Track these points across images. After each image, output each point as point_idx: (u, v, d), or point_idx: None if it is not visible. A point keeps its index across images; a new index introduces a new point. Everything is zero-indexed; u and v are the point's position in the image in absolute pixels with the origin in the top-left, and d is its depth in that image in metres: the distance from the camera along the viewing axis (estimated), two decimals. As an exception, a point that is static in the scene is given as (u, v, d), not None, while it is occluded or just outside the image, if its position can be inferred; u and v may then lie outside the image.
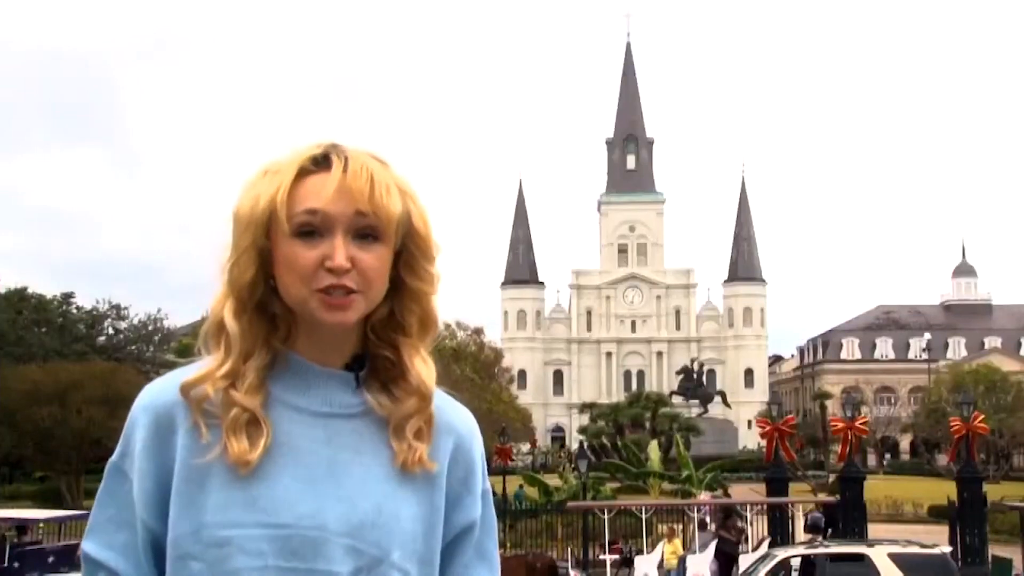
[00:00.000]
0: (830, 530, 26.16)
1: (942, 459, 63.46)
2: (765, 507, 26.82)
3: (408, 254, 1.62)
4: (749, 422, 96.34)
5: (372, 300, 1.59)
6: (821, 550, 19.69)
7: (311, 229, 1.55)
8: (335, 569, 1.54)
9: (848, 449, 26.09)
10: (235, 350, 1.59)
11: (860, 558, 18.36)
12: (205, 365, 1.60)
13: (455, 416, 1.72)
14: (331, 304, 1.55)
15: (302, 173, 1.57)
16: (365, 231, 1.56)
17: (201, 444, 1.57)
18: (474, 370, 78.53)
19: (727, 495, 37.76)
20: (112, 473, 1.65)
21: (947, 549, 18.23)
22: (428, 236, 1.64)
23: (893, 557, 17.66)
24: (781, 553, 20.09)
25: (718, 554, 23.49)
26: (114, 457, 1.66)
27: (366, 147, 1.63)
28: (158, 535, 1.60)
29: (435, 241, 1.65)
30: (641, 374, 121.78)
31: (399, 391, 1.64)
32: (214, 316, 1.61)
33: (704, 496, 36.87)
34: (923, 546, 18.58)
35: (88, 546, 1.64)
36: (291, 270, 1.55)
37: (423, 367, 1.65)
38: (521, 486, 42.26)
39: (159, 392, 1.63)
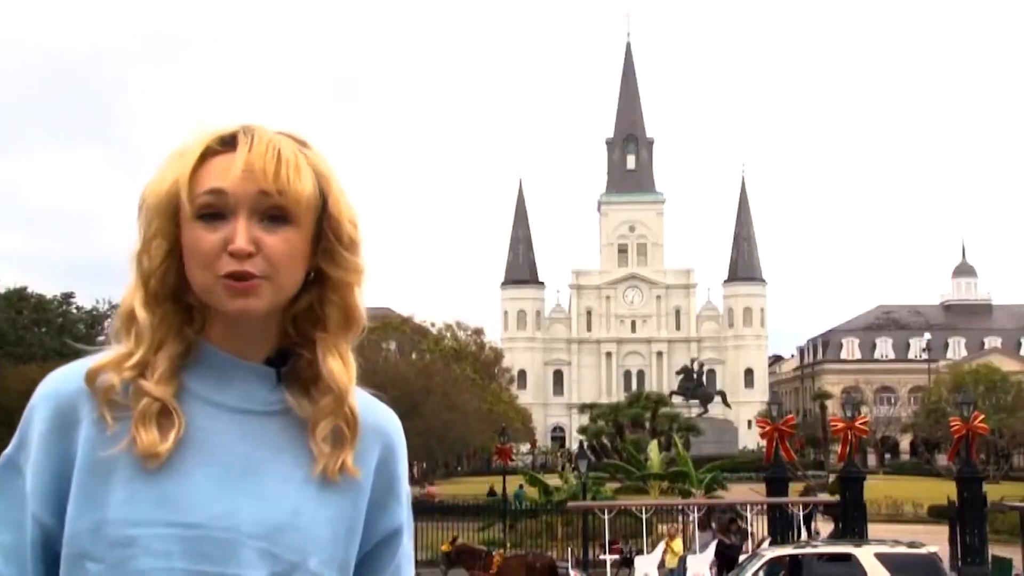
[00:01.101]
0: (832, 529, 26.12)
1: (942, 459, 63.45)
2: (765, 507, 26.80)
3: (326, 240, 1.50)
4: (749, 422, 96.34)
5: (281, 287, 1.47)
6: (809, 550, 19.69)
7: (214, 211, 1.44)
8: (247, 574, 1.43)
9: (848, 449, 26.06)
10: (145, 341, 1.48)
11: (847, 558, 18.36)
12: (112, 352, 1.50)
13: (382, 419, 1.61)
14: (234, 289, 1.44)
15: (208, 154, 1.47)
16: (273, 212, 1.45)
17: (107, 436, 1.46)
18: (474, 370, 78.62)
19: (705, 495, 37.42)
20: (4, 467, 1.51)
21: (934, 548, 18.21)
22: (344, 221, 1.51)
23: (880, 557, 17.64)
24: (769, 553, 20.10)
25: (719, 556, 23.49)
26: (8, 450, 1.52)
27: (287, 127, 1.53)
28: (52, 533, 1.47)
29: (354, 227, 1.53)
30: (641, 374, 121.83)
31: (316, 392, 1.53)
32: (124, 307, 1.50)
33: (698, 496, 36.82)
34: (910, 546, 18.57)
35: None
36: (194, 255, 1.45)
37: (338, 366, 1.52)
38: (521, 486, 42.21)
39: (61, 381, 1.51)
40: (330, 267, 1.52)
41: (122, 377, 1.47)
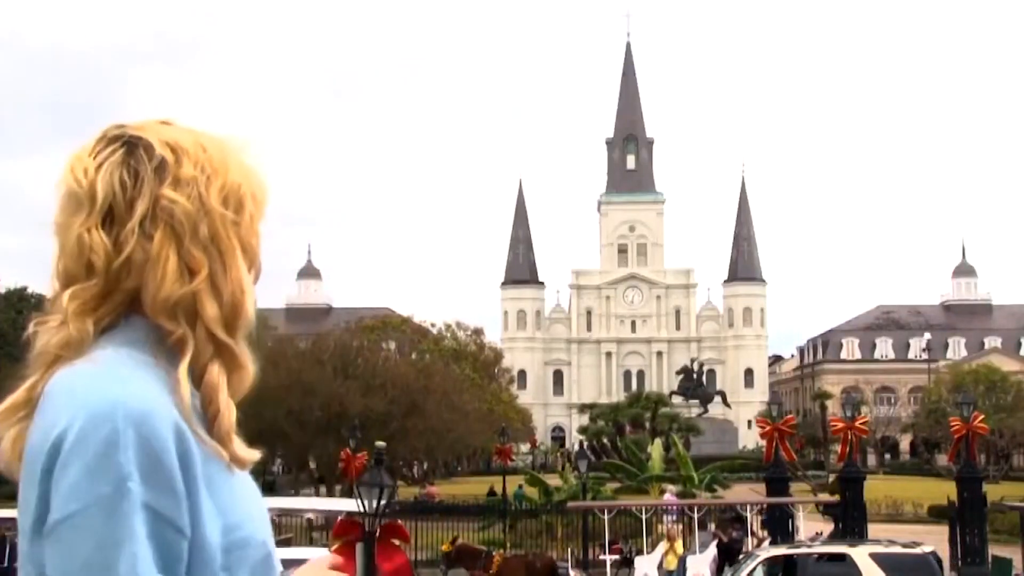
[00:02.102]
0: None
1: (942, 459, 63.50)
2: (765, 507, 26.81)
3: None
4: (749, 422, 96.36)
5: None
6: (804, 550, 19.72)
7: None
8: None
9: (848, 449, 26.08)
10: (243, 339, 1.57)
11: (842, 558, 18.40)
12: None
13: None
14: None
15: None
16: None
17: (205, 447, 1.45)
18: (474, 370, 78.50)
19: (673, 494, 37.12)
20: (139, 511, 1.35)
21: (930, 548, 18.23)
22: None
23: (875, 557, 17.68)
24: (763, 553, 20.14)
25: (721, 552, 23.54)
26: (142, 496, 1.35)
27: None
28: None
29: None
30: (641, 374, 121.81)
31: None
32: (239, 303, 1.51)
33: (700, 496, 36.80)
34: (905, 546, 18.60)
35: None
36: (255, 259, 1.58)
37: None
38: (521, 486, 42.24)
39: (160, 406, 1.41)
40: None
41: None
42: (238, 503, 1.48)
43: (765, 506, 26.78)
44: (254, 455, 1.51)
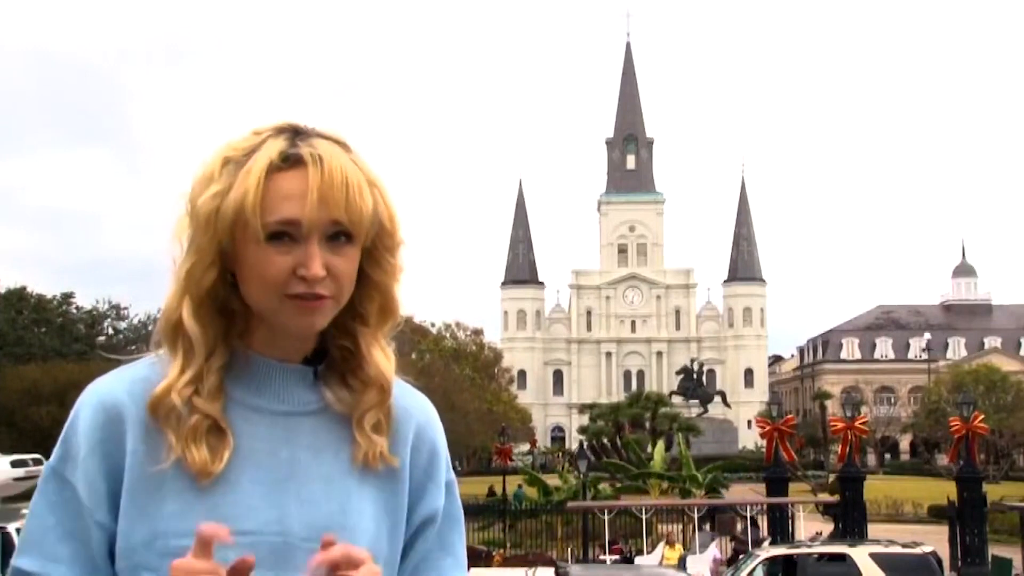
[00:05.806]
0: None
1: (942, 459, 63.46)
2: (765, 507, 26.82)
3: (374, 249, 1.53)
4: (749, 422, 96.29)
5: (341, 303, 1.50)
6: (804, 550, 19.74)
7: (284, 233, 1.45)
8: None
9: (848, 449, 26.10)
10: (198, 353, 1.49)
11: (842, 558, 18.43)
12: (170, 376, 1.49)
13: (413, 404, 1.63)
14: (304, 308, 1.46)
15: (271, 169, 1.46)
16: (338, 233, 1.47)
17: (156, 450, 1.47)
18: (474, 370, 78.60)
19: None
20: (50, 479, 1.51)
21: (929, 548, 18.25)
22: (394, 231, 1.54)
23: (875, 557, 17.72)
24: (763, 553, 20.16)
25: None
26: (52, 462, 1.52)
27: (327, 128, 1.54)
28: (115, 536, 1.50)
29: (400, 234, 1.55)
30: (641, 374, 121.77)
31: (357, 383, 1.56)
32: (169, 315, 1.50)
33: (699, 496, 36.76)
34: (905, 546, 18.63)
35: (25, 562, 1.49)
36: (262, 277, 1.45)
37: (382, 358, 1.56)
38: (520, 486, 42.25)
39: (106, 390, 1.53)
40: (375, 271, 1.55)
41: (182, 397, 1.48)
42: (190, 514, 1.44)
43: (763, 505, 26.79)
44: (206, 469, 1.45)
